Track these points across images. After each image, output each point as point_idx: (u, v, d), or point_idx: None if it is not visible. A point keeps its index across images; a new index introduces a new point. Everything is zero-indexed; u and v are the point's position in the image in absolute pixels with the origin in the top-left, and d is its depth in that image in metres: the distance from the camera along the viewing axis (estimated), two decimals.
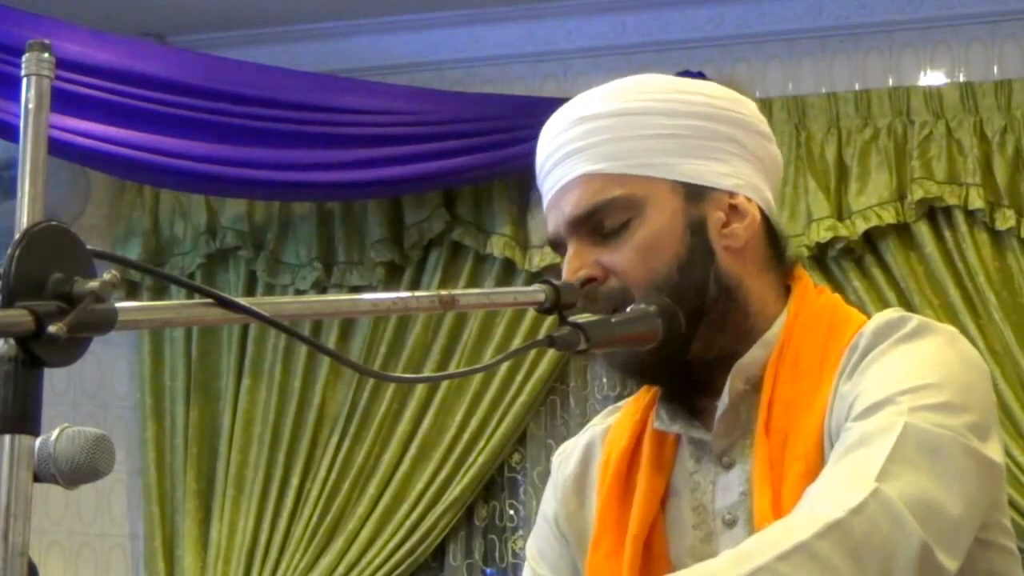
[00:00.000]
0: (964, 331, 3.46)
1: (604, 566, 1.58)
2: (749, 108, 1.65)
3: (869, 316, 1.56)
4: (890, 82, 4.19)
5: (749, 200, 1.60)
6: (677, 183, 1.57)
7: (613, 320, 1.41)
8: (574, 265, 1.56)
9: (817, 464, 1.45)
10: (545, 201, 1.63)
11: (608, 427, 1.70)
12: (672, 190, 1.57)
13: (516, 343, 4.24)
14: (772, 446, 1.50)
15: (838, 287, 3.98)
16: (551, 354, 4.22)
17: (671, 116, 1.58)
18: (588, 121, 1.59)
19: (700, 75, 4.23)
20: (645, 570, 1.56)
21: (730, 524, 1.55)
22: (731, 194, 1.59)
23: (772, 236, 1.63)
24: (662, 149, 1.57)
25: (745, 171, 1.61)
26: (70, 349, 0.99)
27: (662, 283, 1.53)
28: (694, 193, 1.57)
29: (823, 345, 1.54)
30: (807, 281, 1.63)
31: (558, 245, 1.61)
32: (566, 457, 1.73)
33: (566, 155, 1.59)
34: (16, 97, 1.07)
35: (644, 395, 1.67)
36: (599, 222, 1.56)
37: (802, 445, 1.48)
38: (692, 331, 1.53)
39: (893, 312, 1.55)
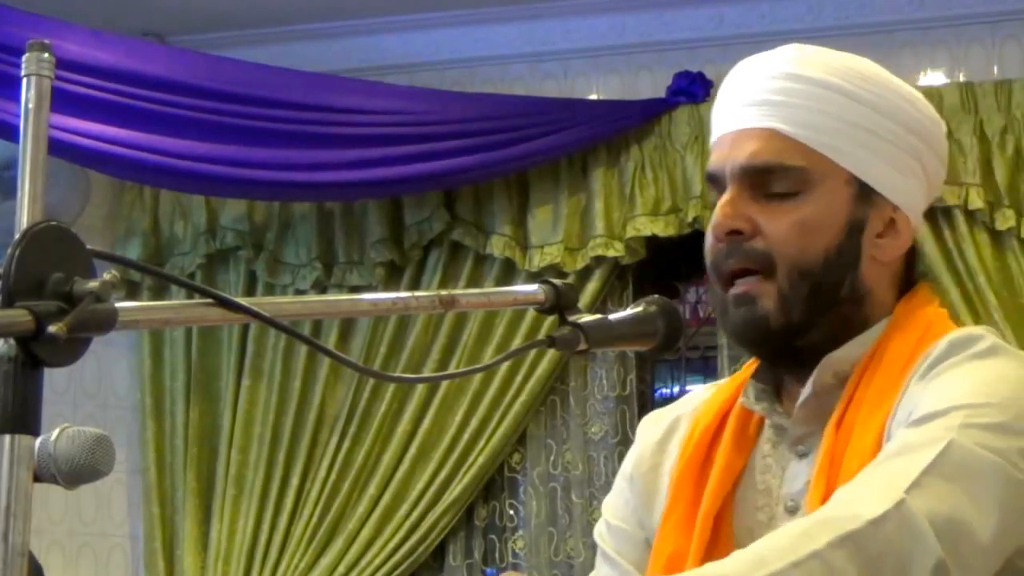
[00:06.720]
0: None
1: (673, 536, 1.61)
2: (942, 130, 1.67)
3: None
4: None
5: (907, 220, 1.61)
6: (853, 177, 1.58)
7: (613, 320, 1.41)
8: (728, 212, 1.57)
9: None
10: (719, 132, 1.63)
11: (699, 403, 1.72)
12: (847, 182, 1.58)
13: (516, 343, 4.23)
14: (838, 441, 1.52)
15: None
16: (551, 354, 4.22)
17: (879, 113, 1.59)
18: (795, 80, 1.59)
19: (700, 75, 4.23)
20: (711, 544, 1.58)
21: (792, 511, 1.57)
22: (895, 208, 1.60)
23: (912, 255, 1.64)
24: (856, 139, 1.58)
25: (916, 191, 1.62)
26: (70, 349, 0.99)
27: (806, 267, 1.56)
28: (864, 193, 1.58)
29: (911, 353, 1.54)
30: (921, 291, 1.64)
31: (715, 181, 1.61)
32: (653, 423, 1.76)
33: (761, 102, 1.59)
34: (16, 97, 1.07)
35: (742, 375, 1.68)
36: (768, 181, 1.57)
37: (862, 443, 1.49)
38: (813, 322, 1.56)
39: (973, 328, 1.56)
